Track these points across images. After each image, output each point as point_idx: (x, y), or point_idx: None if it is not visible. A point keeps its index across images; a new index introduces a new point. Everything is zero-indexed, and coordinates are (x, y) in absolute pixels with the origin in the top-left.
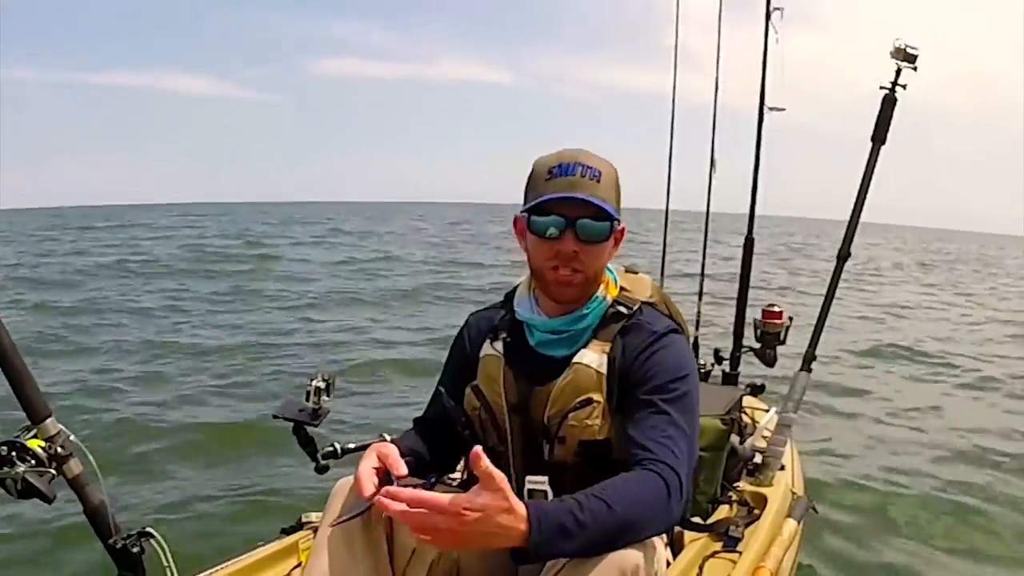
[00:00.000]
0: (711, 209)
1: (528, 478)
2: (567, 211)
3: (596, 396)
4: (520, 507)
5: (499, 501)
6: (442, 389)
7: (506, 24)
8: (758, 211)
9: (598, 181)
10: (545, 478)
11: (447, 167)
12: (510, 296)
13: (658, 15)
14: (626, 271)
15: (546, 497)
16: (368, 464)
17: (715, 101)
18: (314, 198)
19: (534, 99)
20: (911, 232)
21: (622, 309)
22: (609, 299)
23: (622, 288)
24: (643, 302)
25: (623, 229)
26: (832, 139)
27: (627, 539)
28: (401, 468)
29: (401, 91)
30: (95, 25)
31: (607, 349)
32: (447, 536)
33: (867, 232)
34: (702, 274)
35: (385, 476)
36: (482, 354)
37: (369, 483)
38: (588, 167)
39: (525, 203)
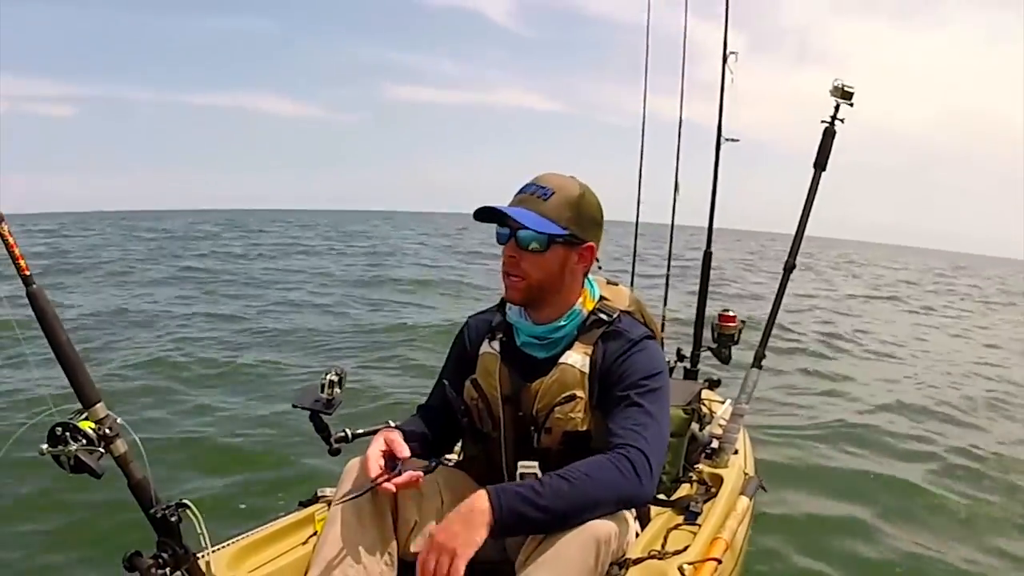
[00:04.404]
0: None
1: (520, 463)
2: (513, 222)
3: (579, 392)
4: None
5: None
6: (445, 381)
7: (558, 59)
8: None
9: (545, 199)
10: (536, 463)
11: (501, 181)
12: (504, 301)
13: (690, 52)
14: (608, 283)
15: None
16: (376, 448)
17: (679, 136)
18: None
19: (580, 124)
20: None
21: (603, 316)
22: (585, 312)
23: (602, 298)
24: (622, 311)
25: (589, 247)
26: (838, 163)
27: (593, 511)
28: (404, 451)
29: (465, 114)
30: (189, 52)
31: (590, 352)
32: (439, 542)
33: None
34: (667, 283)
35: (391, 458)
36: (481, 352)
37: (375, 465)
38: (541, 187)
39: None
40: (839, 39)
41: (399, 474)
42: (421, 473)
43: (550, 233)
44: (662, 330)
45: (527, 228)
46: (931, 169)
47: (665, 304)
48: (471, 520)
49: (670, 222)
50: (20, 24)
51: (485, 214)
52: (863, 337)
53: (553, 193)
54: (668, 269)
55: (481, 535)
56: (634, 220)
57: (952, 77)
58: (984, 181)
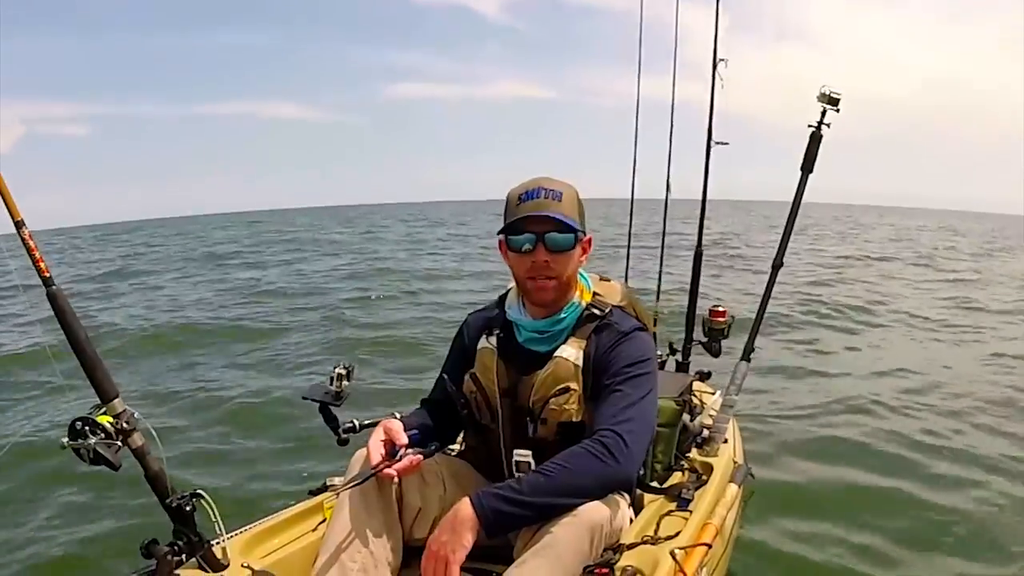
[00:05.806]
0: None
1: (515, 451)
2: (536, 228)
3: (573, 385)
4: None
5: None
6: (445, 376)
7: (550, 48)
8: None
9: (559, 201)
10: (529, 452)
11: (505, 170)
12: (503, 299)
13: (681, 33)
14: (600, 279)
15: (530, 467)
16: (376, 438)
17: (670, 138)
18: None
19: (574, 110)
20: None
21: (596, 311)
22: (583, 304)
23: (596, 293)
24: (614, 305)
25: (589, 239)
26: (833, 142)
27: (577, 497)
28: (402, 438)
29: (464, 108)
30: (199, 66)
31: (583, 345)
32: (432, 550)
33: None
34: (659, 278)
35: (392, 447)
36: (479, 347)
37: (376, 454)
38: (550, 190)
39: (503, 227)
40: (815, 15)
41: (399, 460)
42: (420, 457)
43: (576, 230)
44: (655, 324)
45: (566, 230)
46: (909, 136)
47: (657, 300)
48: (456, 527)
49: (662, 221)
50: (31, 52)
51: (517, 224)
52: None
53: (562, 194)
54: (660, 266)
55: (468, 540)
56: (629, 197)
57: (923, 49)
58: (956, 148)
